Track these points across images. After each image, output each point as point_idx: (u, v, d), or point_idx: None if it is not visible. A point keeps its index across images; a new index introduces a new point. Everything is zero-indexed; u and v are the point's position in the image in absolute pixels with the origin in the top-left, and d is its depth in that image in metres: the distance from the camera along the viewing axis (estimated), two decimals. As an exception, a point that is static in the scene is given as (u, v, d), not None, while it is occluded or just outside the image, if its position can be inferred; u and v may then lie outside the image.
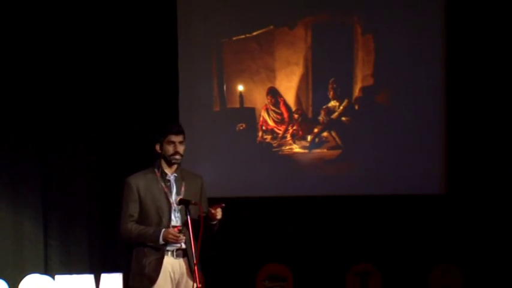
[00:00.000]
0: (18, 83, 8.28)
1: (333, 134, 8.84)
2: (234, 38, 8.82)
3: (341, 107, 8.84)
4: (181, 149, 5.70)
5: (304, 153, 8.85)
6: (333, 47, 8.79)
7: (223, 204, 5.63)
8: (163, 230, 5.58)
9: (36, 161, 8.30)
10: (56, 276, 8.03)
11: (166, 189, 5.70)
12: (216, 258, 5.92)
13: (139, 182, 5.70)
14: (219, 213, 5.62)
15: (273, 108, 8.85)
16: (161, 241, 5.58)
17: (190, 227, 5.53)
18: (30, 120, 8.30)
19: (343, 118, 8.85)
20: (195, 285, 5.49)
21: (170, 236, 5.55)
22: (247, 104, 8.85)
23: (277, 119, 8.86)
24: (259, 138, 8.86)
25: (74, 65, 8.39)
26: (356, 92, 8.84)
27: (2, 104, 8.25)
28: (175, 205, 5.67)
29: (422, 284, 8.56)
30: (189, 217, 5.54)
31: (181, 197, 5.66)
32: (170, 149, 5.67)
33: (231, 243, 8.20)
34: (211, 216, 5.62)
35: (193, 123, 8.40)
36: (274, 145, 8.86)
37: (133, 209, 5.69)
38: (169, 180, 5.73)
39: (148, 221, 5.68)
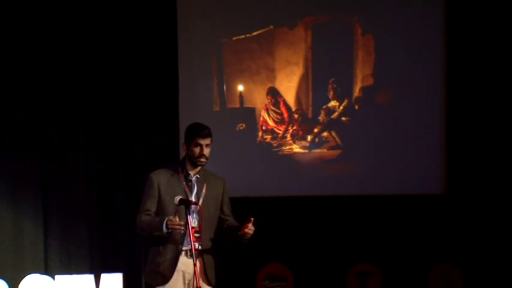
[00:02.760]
0: (18, 83, 8.29)
1: (333, 134, 8.84)
2: (234, 38, 8.82)
3: (341, 107, 8.84)
4: (207, 151, 5.77)
5: (304, 153, 8.84)
6: (333, 47, 8.79)
7: (252, 219, 5.69)
8: (166, 218, 5.59)
9: (36, 161, 8.30)
10: (56, 276, 8.03)
11: (187, 190, 5.75)
12: (215, 258, 5.90)
13: (161, 179, 5.75)
14: (251, 230, 5.69)
15: (273, 108, 8.85)
16: (164, 229, 5.57)
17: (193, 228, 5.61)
18: (30, 120, 8.31)
19: (343, 118, 8.84)
20: (194, 283, 5.49)
21: (169, 223, 5.53)
22: (247, 104, 8.84)
23: (277, 119, 8.86)
24: (259, 138, 8.85)
25: (74, 65, 8.40)
26: (356, 92, 8.83)
27: (2, 104, 8.25)
28: (193, 206, 5.67)
29: (422, 284, 8.56)
30: (189, 217, 5.55)
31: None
32: (196, 151, 5.73)
33: (230, 243, 8.18)
34: (243, 235, 5.72)
35: (193, 123, 8.40)
36: (274, 145, 8.86)
37: (151, 205, 5.74)
38: (190, 181, 5.78)
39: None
